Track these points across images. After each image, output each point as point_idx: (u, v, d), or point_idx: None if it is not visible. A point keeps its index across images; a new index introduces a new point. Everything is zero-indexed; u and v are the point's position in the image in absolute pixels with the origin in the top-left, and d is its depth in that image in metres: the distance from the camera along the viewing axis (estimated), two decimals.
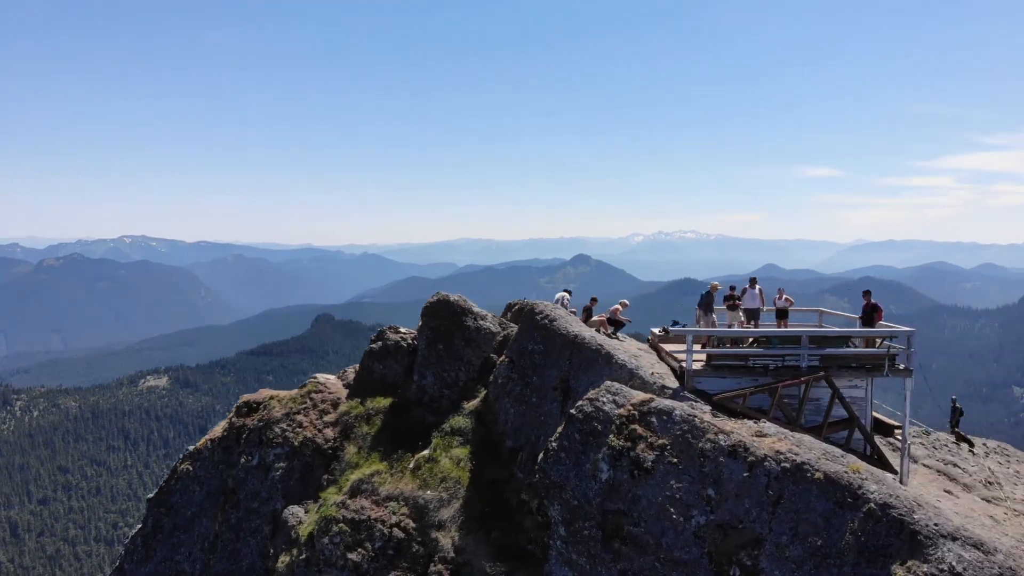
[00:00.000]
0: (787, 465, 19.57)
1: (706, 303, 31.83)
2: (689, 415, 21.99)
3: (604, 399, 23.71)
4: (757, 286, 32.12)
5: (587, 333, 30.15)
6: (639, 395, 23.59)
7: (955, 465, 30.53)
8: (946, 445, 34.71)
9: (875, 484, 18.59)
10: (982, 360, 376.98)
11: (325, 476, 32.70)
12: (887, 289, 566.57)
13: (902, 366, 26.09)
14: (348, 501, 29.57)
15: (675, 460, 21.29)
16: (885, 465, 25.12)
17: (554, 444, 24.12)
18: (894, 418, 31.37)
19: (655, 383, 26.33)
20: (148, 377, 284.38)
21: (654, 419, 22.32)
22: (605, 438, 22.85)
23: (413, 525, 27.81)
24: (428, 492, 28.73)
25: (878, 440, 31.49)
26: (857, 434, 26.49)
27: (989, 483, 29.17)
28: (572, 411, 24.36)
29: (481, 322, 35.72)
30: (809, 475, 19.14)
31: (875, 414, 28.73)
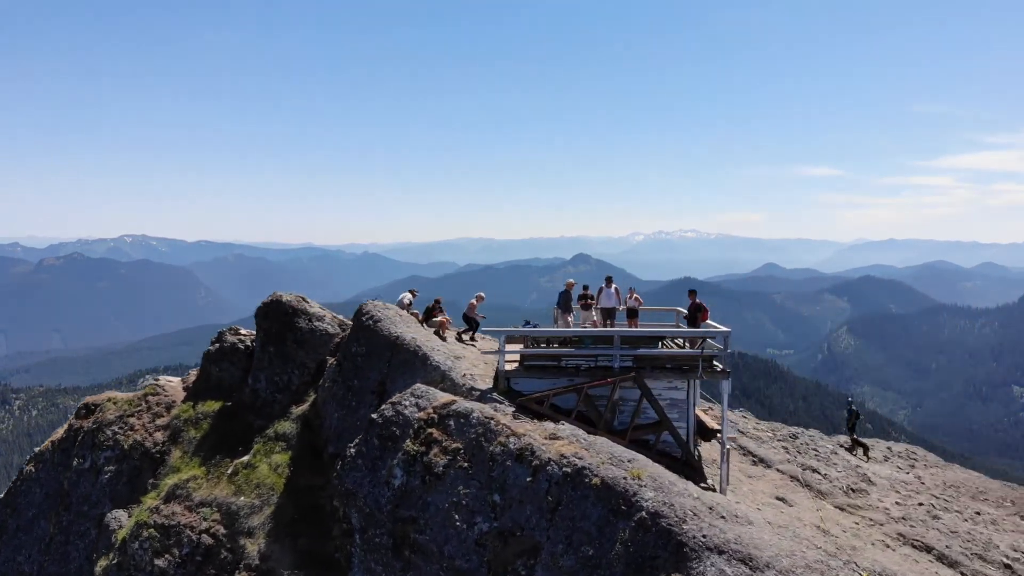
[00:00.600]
0: (568, 470, 18.98)
1: (563, 302, 30.99)
2: (486, 418, 21.50)
3: (407, 403, 23.33)
4: (613, 285, 31.53)
5: (409, 335, 29.36)
6: (443, 398, 23.12)
7: (815, 471, 29.96)
8: (832, 448, 34.31)
9: (652, 492, 17.87)
10: (982, 359, 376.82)
11: (151, 480, 32.08)
12: (887, 288, 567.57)
13: (720, 367, 25.16)
14: (162, 506, 29.26)
15: (466, 465, 20.79)
16: (696, 470, 24.39)
17: (352, 450, 23.65)
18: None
19: (465, 385, 25.71)
20: (148, 376, 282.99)
21: (452, 422, 21.89)
22: (403, 443, 22.36)
23: (223, 531, 27.46)
24: (241, 498, 28.35)
25: (746, 443, 31.38)
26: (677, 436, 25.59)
27: (852, 490, 28.67)
28: (373, 416, 23.88)
29: (316, 323, 34.62)
30: (587, 481, 18.54)
31: (700, 414, 27.69)
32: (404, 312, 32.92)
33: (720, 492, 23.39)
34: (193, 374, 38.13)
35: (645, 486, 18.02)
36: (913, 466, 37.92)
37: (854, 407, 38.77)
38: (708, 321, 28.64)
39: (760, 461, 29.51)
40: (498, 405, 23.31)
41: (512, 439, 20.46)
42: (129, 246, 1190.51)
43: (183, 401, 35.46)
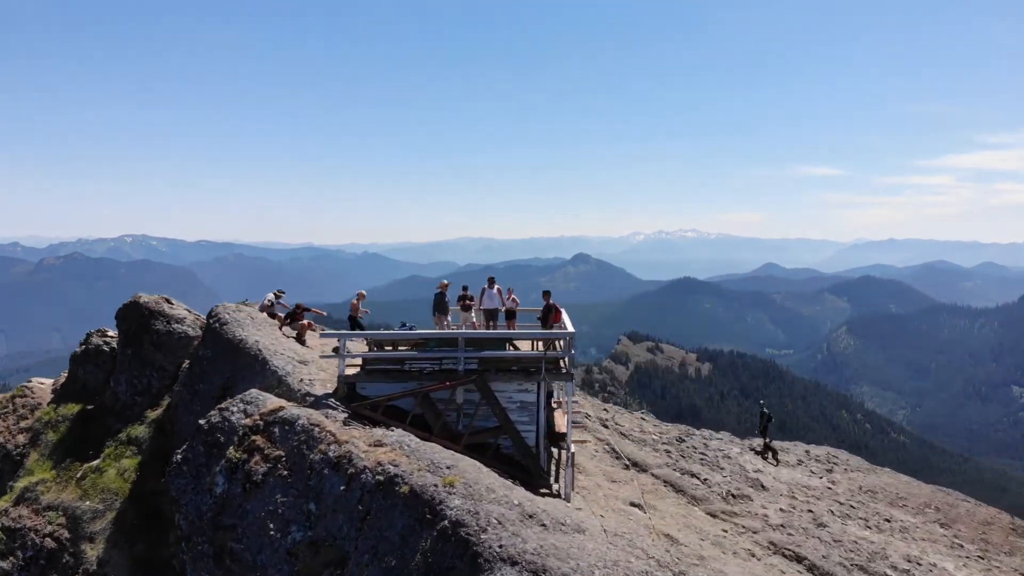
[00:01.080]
0: (381, 478, 18.52)
1: (438, 304, 29.91)
2: (311, 425, 21.03)
3: (235, 408, 22.90)
4: (496, 286, 30.62)
5: (253, 338, 28.48)
6: (272, 404, 22.61)
7: (694, 475, 29.27)
8: (708, 454, 33.33)
9: (460, 499, 17.28)
10: (981, 359, 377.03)
11: (9, 483, 31.57)
12: (887, 288, 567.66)
13: (564, 369, 24.32)
14: (11, 509, 28.98)
15: (286, 473, 20.38)
16: (538, 475, 23.57)
17: (179, 456, 23.17)
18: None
19: (301, 390, 25.00)
20: None
21: (276, 429, 21.45)
22: (226, 450, 21.90)
23: (67, 535, 27.24)
24: (87, 503, 28.15)
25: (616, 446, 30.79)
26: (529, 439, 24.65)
27: (733, 495, 28.09)
28: (200, 421, 23.40)
29: (175, 325, 33.49)
30: (397, 489, 18.08)
31: (558, 417, 27.12)
32: (260, 315, 32.31)
33: (564, 498, 22.53)
34: (63, 376, 37.42)
35: (454, 494, 17.54)
36: (831, 471, 37.51)
37: (766, 409, 38.31)
38: (561, 322, 27.66)
39: (634, 465, 28.56)
40: (330, 411, 22.75)
41: (333, 447, 20.08)
42: (129, 246, 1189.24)
43: (48, 403, 34.97)
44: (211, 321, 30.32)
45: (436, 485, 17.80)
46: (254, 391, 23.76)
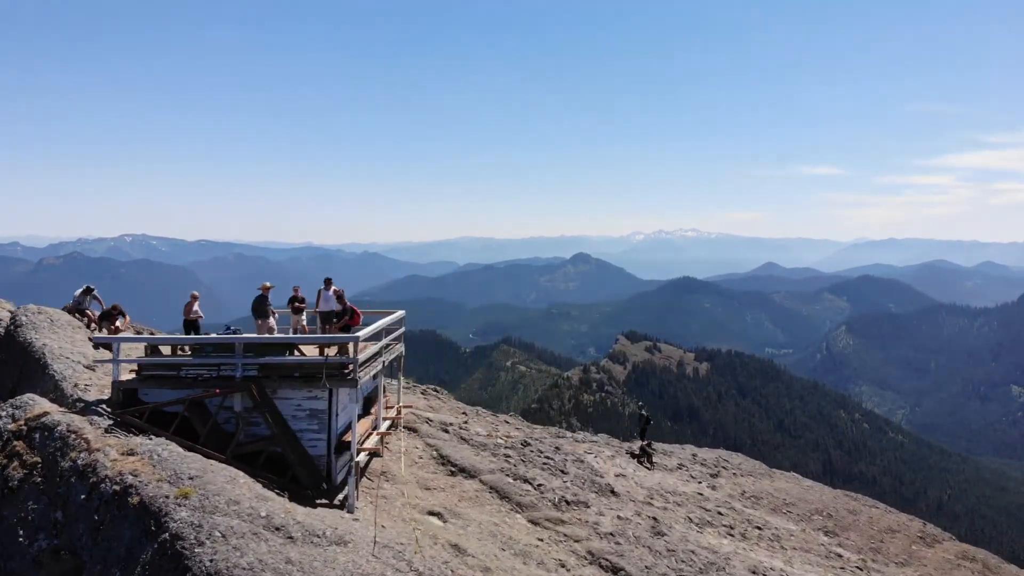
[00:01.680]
0: (118, 488, 17.89)
1: (257, 307, 28.02)
2: (69, 431, 20.29)
3: (3, 414, 22.07)
4: (332, 288, 29.38)
5: (41, 341, 27.27)
6: (39, 409, 21.73)
7: (528, 481, 27.73)
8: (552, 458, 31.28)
9: (188, 511, 16.57)
10: (981, 359, 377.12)
11: None
12: (887, 288, 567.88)
13: (349, 375, 23.33)
14: None
15: (40, 480, 19.76)
16: (315, 485, 22.78)
17: None
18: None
19: (74, 395, 24.19)
20: None
21: (37, 435, 20.73)
22: None
23: None
24: None
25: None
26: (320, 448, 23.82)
27: (567, 502, 26.89)
28: None
29: None
30: (130, 499, 17.45)
31: (363, 424, 26.21)
32: (65, 316, 30.62)
33: (347, 509, 21.73)
34: None
35: (184, 506, 16.75)
36: (716, 475, 36.52)
37: (644, 412, 37.42)
38: (359, 325, 26.66)
39: (461, 471, 26.88)
40: (95, 418, 21.97)
41: (83, 455, 19.40)
42: (129, 245, 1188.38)
43: None
44: (9, 323, 29.22)
45: (168, 496, 17.17)
46: (27, 396, 22.88)
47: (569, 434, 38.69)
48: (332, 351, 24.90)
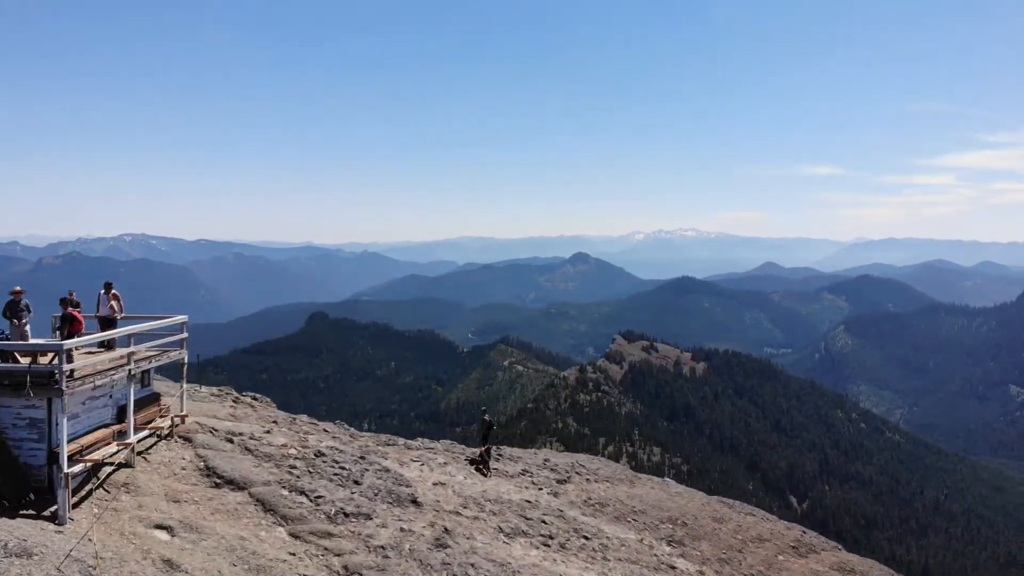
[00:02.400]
0: None
1: (8, 312, 25.68)
2: None
3: None
4: (112, 290, 28.29)
5: None
6: None
7: (304, 492, 26.22)
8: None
9: None
10: (979, 358, 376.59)
11: None
12: (886, 287, 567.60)
13: (57, 384, 21.87)
14: None
15: None
16: (17, 496, 21.54)
17: None
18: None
19: None
20: None
21: None
22: None
23: None
24: None
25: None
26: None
27: (346, 514, 25.39)
28: None
29: None
30: None
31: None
32: None
33: (58, 521, 20.47)
34: None
35: None
36: (564, 481, 34.78)
37: (487, 417, 36.38)
38: (81, 332, 25.24)
39: (228, 483, 25.11)
40: None
41: None
42: (129, 245, 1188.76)
43: None
44: None
45: None
46: None
47: (402, 441, 36.49)
48: (47, 359, 23.34)
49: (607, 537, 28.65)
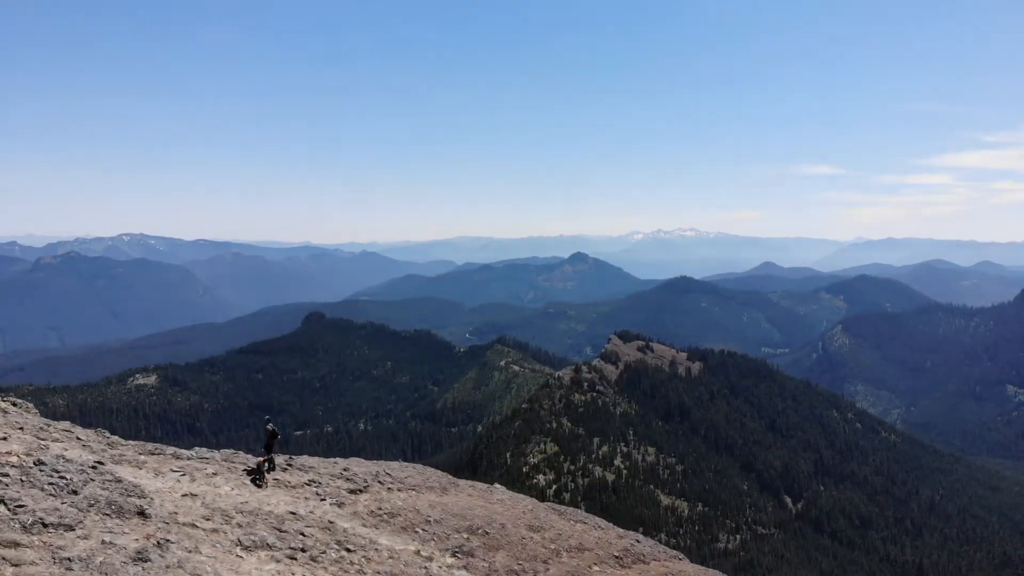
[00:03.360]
0: None
1: None
2: None
3: None
4: None
5: None
6: None
7: (2, 502, 25.27)
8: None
9: None
10: (977, 358, 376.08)
11: None
12: (883, 287, 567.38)
13: None
14: None
15: None
16: None
17: None
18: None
19: None
20: (137, 375, 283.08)
21: None
22: None
23: None
24: None
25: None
26: None
27: (44, 525, 23.77)
28: None
29: None
30: None
31: None
32: None
33: None
34: None
35: None
36: (361, 491, 33.05)
37: (270, 426, 34.89)
38: None
39: None
40: None
41: None
42: (127, 244, 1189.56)
43: None
44: None
45: None
46: None
47: (171, 450, 33.73)
48: None
49: (376, 549, 27.39)
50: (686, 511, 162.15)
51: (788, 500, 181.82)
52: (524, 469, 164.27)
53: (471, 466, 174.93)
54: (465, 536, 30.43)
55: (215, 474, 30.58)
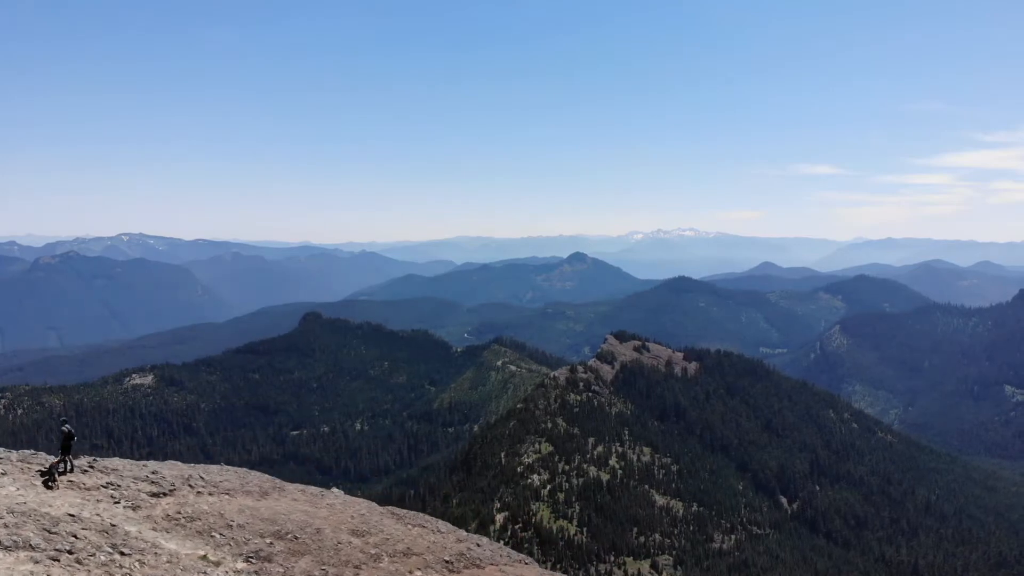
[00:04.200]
0: None
1: None
2: None
3: None
4: None
5: None
6: None
7: None
8: None
9: None
10: (975, 358, 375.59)
11: None
12: (882, 287, 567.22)
13: None
14: None
15: None
16: None
17: None
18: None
19: None
20: (134, 375, 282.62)
21: None
22: None
23: None
24: None
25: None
26: None
27: None
28: None
29: None
30: None
31: None
32: None
33: None
34: None
35: None
36: (165, 494, 32.28)
37: (65, 428, 34.05)
38: None
39: None
40: None
41: None
42: (126, 244, 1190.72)
43: None
44: None
45: None
46: None
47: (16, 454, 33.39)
48: None
49: (156, 553, 26.76)
50: (681, 511, 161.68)
51: (784, 500, 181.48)
52: (519, 469, 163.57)
53: (465, 466, 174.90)
54: (268, 541, 29.66)
55: (3, 474, 30.16)
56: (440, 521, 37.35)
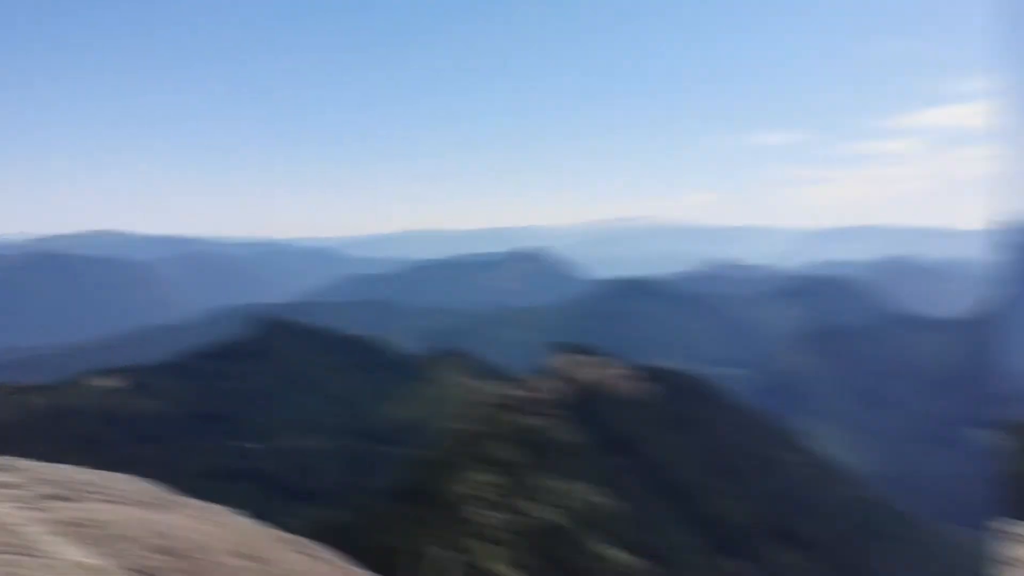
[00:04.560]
0: None
1: None
2: None
3: None
4: None
5: None
6: None
7: None
8: None
9: None
10: (943, 376, 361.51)
11: None
12: (847, 290, 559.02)
13: None
14: None
15: None
16: None
17: None
18: None
19: None
20: (93, 378, 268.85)
21: None
22: None
23: None
24: None
25: None
26: None
27: None
28: None
29: None
30: None
31: None
32: None
33: None
34: None
35: None
36: (65, 498, 26.67)
37: None
38: None
39: None
40: None
41: None
42: (91, 241, 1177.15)
43: None
44: None
45: None
46: None
47: None
48: None
49: (43, 561, 22.99)
50: (631, 565, 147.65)
51: (736, 563, 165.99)
52: (454, 500, 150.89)
53: (401, 494, 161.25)
54: (159, 556, 28.19)
55: None
56: (330, 553, 29.44)
